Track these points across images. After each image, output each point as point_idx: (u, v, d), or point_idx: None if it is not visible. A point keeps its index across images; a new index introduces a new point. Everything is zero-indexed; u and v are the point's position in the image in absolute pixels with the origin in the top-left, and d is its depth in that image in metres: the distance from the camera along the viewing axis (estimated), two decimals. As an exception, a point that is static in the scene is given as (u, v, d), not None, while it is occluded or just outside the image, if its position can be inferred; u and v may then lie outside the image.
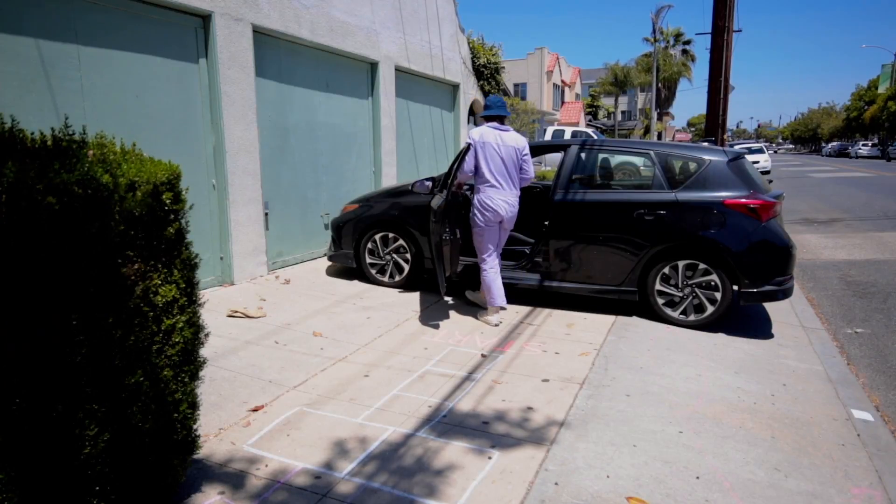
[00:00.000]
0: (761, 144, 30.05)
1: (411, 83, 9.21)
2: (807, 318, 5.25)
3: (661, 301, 4.81)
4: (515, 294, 5.38)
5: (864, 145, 47.94)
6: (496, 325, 4.69)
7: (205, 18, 5.34)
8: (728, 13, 10.12)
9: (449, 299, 5.41)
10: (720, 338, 4.55)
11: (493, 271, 4.77)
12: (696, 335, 4.57)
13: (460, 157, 4.76)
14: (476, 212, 4.74)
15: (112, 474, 1.87)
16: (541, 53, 39.46)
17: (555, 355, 4.03)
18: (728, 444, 2.88)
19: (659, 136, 40.05)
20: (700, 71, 62.61)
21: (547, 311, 5.11)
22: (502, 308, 4.81)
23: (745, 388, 3.61)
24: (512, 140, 4.69)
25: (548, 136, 20.81)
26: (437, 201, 4.73)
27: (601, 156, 5.42)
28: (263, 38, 6.05)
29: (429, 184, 5.41)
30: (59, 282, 1.68)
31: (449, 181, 4.68)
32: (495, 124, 4.71)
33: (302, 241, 6.90)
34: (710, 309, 4.66)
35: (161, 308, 2.01)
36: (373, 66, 8.04)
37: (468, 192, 5.61)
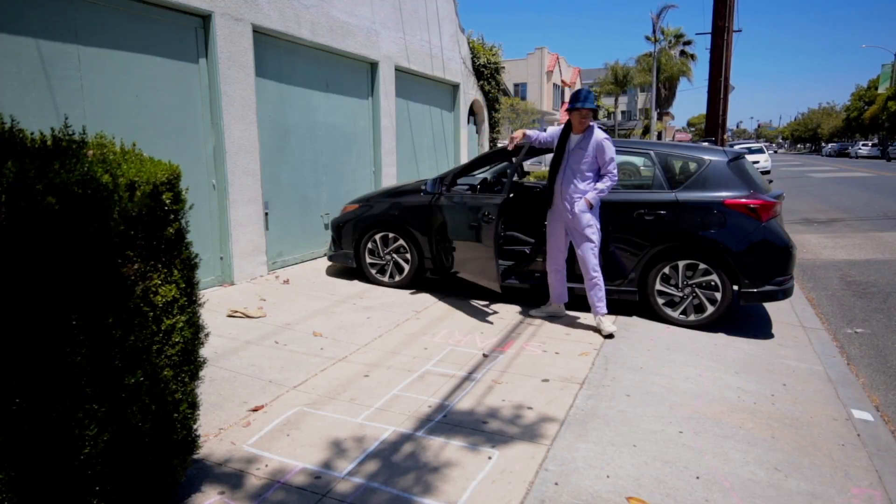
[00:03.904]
0: (761, 144, 30.04)
1: (411, 83, 9.20)
2: (807, 318, 5.25)
3: (661, 301, 4.81)
4: (516, 294, 5.39)
5: (864, 145, 47.91)
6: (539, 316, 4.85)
7: (205, 18, 5.34)
8: (728, 13, 10.13)
9: (450, 299, 5.41)
10: (720, 338, 4.55)
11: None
12: (696, 335, 4.57)
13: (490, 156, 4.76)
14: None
15: (112, 474, 1.87)
16: (541, 53, 39.51)
17: (555, 355, 4.03)
18: (728, 444, 2.88)
19: (659, 136, 40.03)
20: (700, 71, 62.43)
21: (547, 311, 5.09)
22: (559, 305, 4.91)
23: (745, 388, 3.61)
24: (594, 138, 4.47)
25: (548, 136, 20.79)
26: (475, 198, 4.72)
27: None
28: (263, 38, 6.05)
29: (433, 182, 5.40)
30: (59, 282, 1.68)
31: (449, 180, 4.64)
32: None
33: (302, 241, 6.90)
34: (710, 309, 4.66)
35: (161, 308, 2.01)
36: (373, 66, 8.04)
37: (468, 191, 5.61)
